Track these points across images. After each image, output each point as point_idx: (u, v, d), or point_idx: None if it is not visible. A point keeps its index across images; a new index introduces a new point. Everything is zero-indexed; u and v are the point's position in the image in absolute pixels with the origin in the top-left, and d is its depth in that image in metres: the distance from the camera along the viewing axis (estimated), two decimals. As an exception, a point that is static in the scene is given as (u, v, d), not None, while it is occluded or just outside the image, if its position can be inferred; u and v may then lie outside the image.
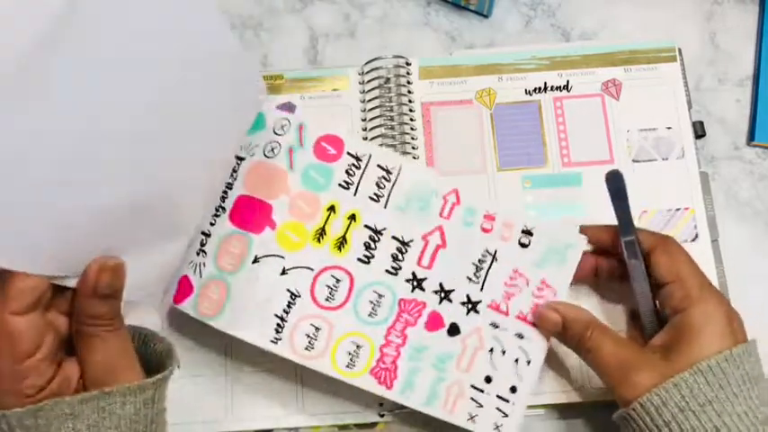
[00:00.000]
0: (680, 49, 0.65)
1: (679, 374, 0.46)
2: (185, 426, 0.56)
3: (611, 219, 0.60)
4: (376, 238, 0.56)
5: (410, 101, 0.63)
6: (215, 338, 0.56)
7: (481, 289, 0.55)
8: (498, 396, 0.54)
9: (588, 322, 0.52)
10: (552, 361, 0.57)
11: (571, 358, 0.57)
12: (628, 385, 0.48)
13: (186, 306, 0.54)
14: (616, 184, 0.55)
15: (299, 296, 0.54)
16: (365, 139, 0.62)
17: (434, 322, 0.55)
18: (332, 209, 0.56)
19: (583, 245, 0.55)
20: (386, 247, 0.55)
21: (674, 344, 0.49)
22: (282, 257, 0.54)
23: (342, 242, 0.55)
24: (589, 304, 0.57)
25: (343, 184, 0.56)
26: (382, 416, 0.57)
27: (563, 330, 0.53)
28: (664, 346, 0.50)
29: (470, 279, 0.55)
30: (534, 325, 0.55)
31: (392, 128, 0.63)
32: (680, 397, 0.46)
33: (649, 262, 0.52)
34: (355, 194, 0.56)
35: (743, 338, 0.49)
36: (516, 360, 0.54)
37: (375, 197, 0.56)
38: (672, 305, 0.50)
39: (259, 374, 0.58)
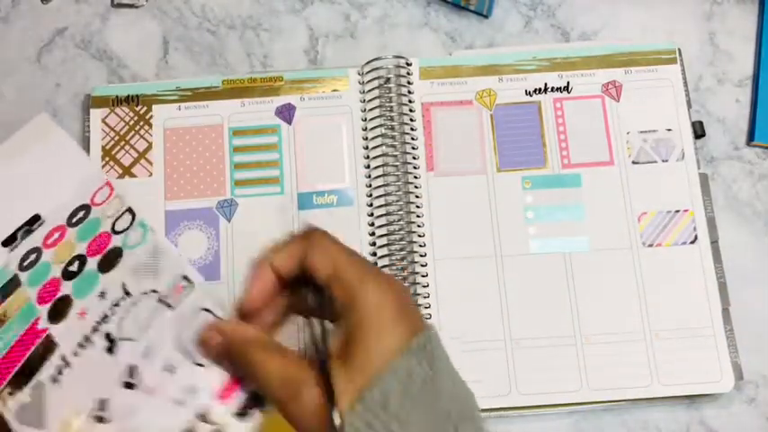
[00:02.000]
0: (680, 51, 0.65)
1: (387, 366, 0.39)
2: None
3: (611, 219, 0.60)
4: None
5: (410, 101, 0.63)
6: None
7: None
8: None
9: (253, 338, 0.44)
10: (551, 362, 0.57)
11: (570, 359, 0.57)
12: (297, 404, 0.41)
13: None
14: None
15: None
16: (365, 139, 0.62)
17: None
18: None
19: None
20: None
21: (350, 341, 0.41)
22: None
23: None
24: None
25: None
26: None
27: (223, 354, 0.45)
28: (339, 351, 0.42)
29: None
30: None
31: (392, 128, 0.63)
32: (382, 397, 0.39)
33: (306, 265, 0.44)
34: None
35: (420, 322, 0.42)
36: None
37: None
38: (339, 302, 0.42)
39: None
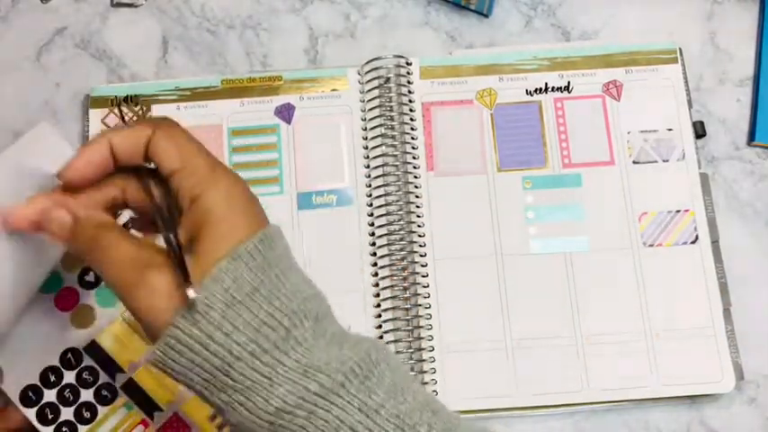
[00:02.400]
0: (681, 51, 0.65)
1: (217, 265, 0.37)
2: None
3: (611, 219, 0.60)
4: None
5: (410, 101, 0.63)
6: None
7: None
8: None
9: (105, 222, 0.41)
10: (552, 362, 0.57)
11: (570, 359, 0.57)
12: (144, 287, 0.38)
13: None
14: None
15: None
16: (365, 138, 0.62)
17: None
18: None
19: None
20: None
21: (196, 235, 0.39)
22: None
23: None
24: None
25: None
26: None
27: (72, 233, 0.41)
28: (187, 240, 0.40)
29: None
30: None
31: (392, 128, 0.62)
32: (223, 290, 0.37)
33: (150, 153, 0.41)
34: None
35: (264, 220, 0.41)
36: None
37: None
38: (185, 195, 0.40)
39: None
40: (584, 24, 0.67)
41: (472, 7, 0.67)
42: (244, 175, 0.60)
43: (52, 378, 0.53)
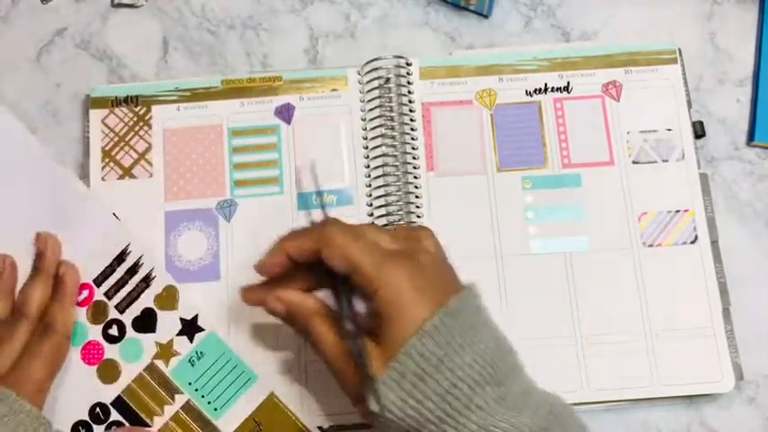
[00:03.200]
0: (680, 51, 0.65)
1: (407, 342, 0.43)
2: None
3: (611, 219, 0.60)
4: None
5: (410, 101, 0.63)
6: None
7: None
8: None
9: (312, 311, 0.49)
10: (551, 362, 0.57)
11: (570, 359, 0.57)
12: (350, 370, 0.47)
13: None
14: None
15: None
16: (365, 139, 0.62)
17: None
18: None
19: None
20: None
21: (382, 322, 0.45)
22: None
23: None
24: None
25: None
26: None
27: (289, 320, 0.50)
28: (374, 334, 0.46)
29: None
30: None
31: (392, 128, 0.63)
32: (414, 364, 0.43)
33: (323, 259, 0.47)
34: None
35: (451, 291, 0.46)
36: None
37: None
38: (363, 291, 0.46)
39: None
40: (583, 25, 0.67)
41: (472, 8, 0.67)
42: (244, 175, 0.62)
43: None
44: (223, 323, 0.59)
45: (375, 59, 0.64)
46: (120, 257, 0.59)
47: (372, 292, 0.45)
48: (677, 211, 0.61)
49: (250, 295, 0.52)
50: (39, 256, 0.58)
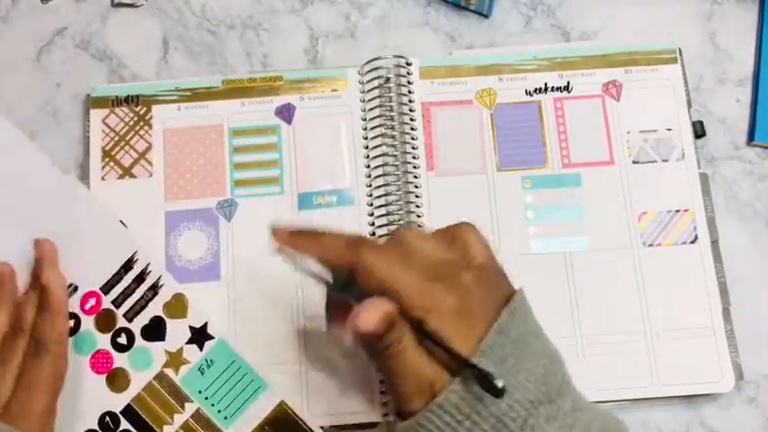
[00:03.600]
0: (680, 51, 0.65)
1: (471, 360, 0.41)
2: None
3: (611, 219, 0.60)
4: None
5: (410, 101, 0.63)
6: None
7: None
8: None
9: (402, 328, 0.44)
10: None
11: (570, 359, 0.57)
12: (426, 394, 0.42)
13: None
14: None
15: None
16: (365, 138, 0.62)
17: None
18: None
19: None
20: None
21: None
22: None
23: None
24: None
25: None
26: (385, 415, 0.57)
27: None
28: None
29: None
30: None
31: (392, 128, 0.63)
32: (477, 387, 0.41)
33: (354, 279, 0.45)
34: None
35: (501, 301, 0.44)
36: None
37: None
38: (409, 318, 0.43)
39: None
40: (583, 24, 0.67)
41: (472, 7, 0.67)
42: (245, 175, 0.62)
43: None
44: (224, 323, 0.58)
45: (375, 59, 0.64)
46: (128, 265, 0.59)
47: (418, 321, 0.42)
48: (677, 211, 0.61)
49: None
50: (37, 263, 0.56)
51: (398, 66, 0.64)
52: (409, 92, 0.64)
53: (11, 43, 0.67)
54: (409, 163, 0.62)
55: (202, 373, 0.57)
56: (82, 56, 0.67)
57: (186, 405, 0.57)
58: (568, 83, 0.64)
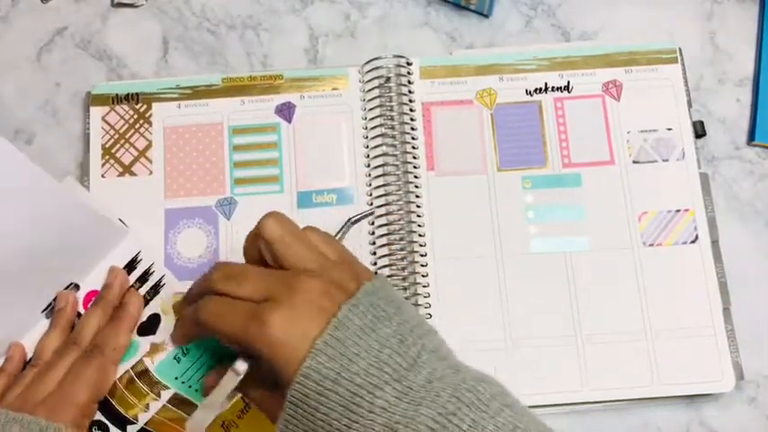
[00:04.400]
0: (680, 50, 0.65)
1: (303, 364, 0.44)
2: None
3: (611, 219, 0.60)
4: None
5: (410, 101, 0.63)
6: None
7: None
8: None
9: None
10: (551, 362, 0.57)
11: (570, 359, 0.57)
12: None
13: None
14: None
15: None
16: (365, 138, 0.62)
17: None
18: None
19: None
20: None
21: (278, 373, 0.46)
22: None
23: None
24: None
25: None
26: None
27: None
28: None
29: None
30: None
31: (392, 128, 0.62)
32: (314, 383, 0.43)
33: None
34: None
35: (339, 300, 0.45)
36: None
37: None
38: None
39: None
40: (583, 24, 0.67)
41: (472, 7, 0.67)
42: (244, 173, 0.62)
43: None
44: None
45: (375, 59, 0.64)
46: (131, 265, 0.59)
47: (257, 356, 0.45)
48: (677, 211, 0.61)
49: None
50: (106, 287, 0.58)
51: (399, 65, 0.64)
52: (409, 91, 0.64)
53: (11, 43, 0.67)
54: (409, 163, 0.62)
55: (178, 362, 0.56)
56: (82, 56, 0.67)
57: (162, 393, 0.56)
58: (568, 83, 0.64)
